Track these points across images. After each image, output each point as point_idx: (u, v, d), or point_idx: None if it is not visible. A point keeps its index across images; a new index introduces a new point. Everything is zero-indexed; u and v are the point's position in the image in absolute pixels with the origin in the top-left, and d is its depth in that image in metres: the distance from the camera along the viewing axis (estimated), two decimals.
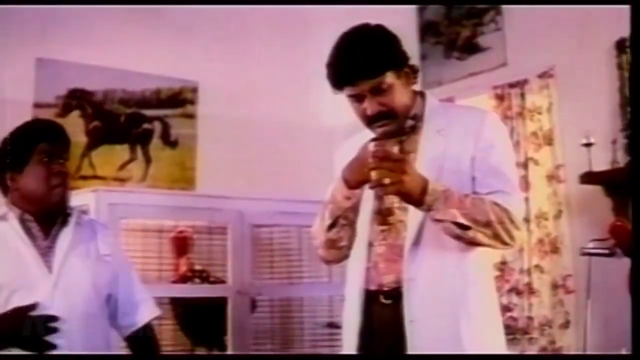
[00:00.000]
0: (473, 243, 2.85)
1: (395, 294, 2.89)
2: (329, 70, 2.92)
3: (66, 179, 3.22)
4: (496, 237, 2.82)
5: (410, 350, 2.83)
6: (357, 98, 2.93)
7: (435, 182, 2.80)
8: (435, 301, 2.86)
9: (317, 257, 3.25)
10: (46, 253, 3.13)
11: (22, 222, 3.15)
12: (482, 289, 2.97)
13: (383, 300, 2.94)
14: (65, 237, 3.19)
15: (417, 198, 2.76)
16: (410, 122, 3.03)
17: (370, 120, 2.95)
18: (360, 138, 3.11)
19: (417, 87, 3.08)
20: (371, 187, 2.78)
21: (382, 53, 2.88)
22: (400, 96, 2.93)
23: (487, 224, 2.79)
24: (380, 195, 2.95)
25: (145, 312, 3.47)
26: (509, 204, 2.85)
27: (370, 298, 2.98)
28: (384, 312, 2.94)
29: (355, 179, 2.92)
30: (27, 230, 3.14)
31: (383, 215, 3.00)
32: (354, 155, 2.97)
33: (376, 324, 2.97)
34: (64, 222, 3.22)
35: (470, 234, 2.79)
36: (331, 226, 3.05)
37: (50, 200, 3.16)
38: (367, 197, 2.99)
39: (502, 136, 3.06)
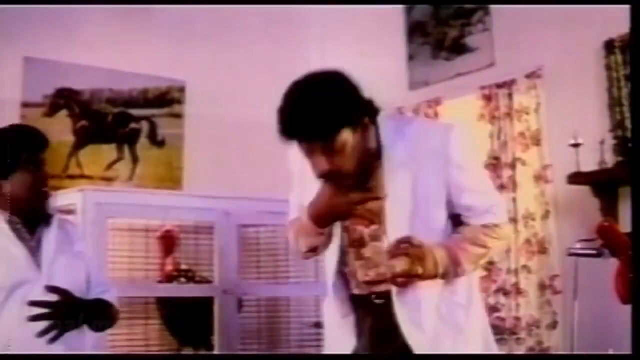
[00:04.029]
0: None
1: (386, 294, 2.87)
2: (279, 121, 2.71)
3: (48, 183, 3.31)
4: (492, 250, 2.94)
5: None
6: (308, 150, 2.74)
7: (412, 216, 2.83)
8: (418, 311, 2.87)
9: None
10: (34, 253, 3.20)
11: (11, 224, 3.21)
12: (468, 316, 2.96)
13: (375, 301, 2.92)
14: (50, 237, 3.27)
15: (434, 275, 2.78)
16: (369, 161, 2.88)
17: (319, 176, 2.78)
18: None
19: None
20: (393, 281, 2.78)
21: (336, 112, 2.66)
22: (353, 154, 2.70)
23: (486, 253, 2.90)
24: (348, 227, 2.95)
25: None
26: (497, 215, 2.93)
27: (360, 300, 2.98)
28: (377, 312, 2.92)
29: (324, 221, 2.88)
30: (16, 232, 3.21)
31: (356, 247, 2.97)
32: (319, 199, 2.85)
33: (370, 324, 2.96)
34: (47, 223, 3.30)
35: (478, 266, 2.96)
36: (309, 252, 3.06)
37: (37, 204, 3.25)
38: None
39: (469, 152, 2.99)
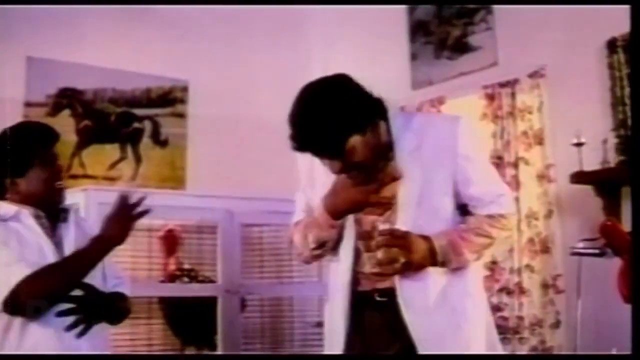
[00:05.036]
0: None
1: (390, 292, 2.89)
2: (290, 129, 2.79)
3: (62, 176, 3.37)
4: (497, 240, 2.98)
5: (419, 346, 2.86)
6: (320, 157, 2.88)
7: (419, 203, 2.88)
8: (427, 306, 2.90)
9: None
10: (58, 249, 3.25)
11: (37, 219, 3.25)
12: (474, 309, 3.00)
13: (378, 299, 2.94)
14: (70, 232, 3.32)
15: (430, 263, 2.84)
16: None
17: (333, 173, 2.90)
18: None
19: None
20: (380, 267, 2.84)
21: (339, 124, 2.71)
22: (364, 152, 2.77)
23: (491, 243, 2.94)
24: (359, 218, 2.98)
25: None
26: (503, 206, 2.99)
27: (362, 298, 2.98)
28: (379, 309, 2.95)
29: (341, 212, 2.93)
30: (43, 228, 3.25)
31: (365, 239, 2.99)
32: (336, 189, 2.93)
33: (370, 322, 2.97)
34: (65, 219, 3.35)
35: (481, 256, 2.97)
36: (316, 248, 3.08)
37: (54, 199, 3.31)
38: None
39: (476, 143, 3.08)
